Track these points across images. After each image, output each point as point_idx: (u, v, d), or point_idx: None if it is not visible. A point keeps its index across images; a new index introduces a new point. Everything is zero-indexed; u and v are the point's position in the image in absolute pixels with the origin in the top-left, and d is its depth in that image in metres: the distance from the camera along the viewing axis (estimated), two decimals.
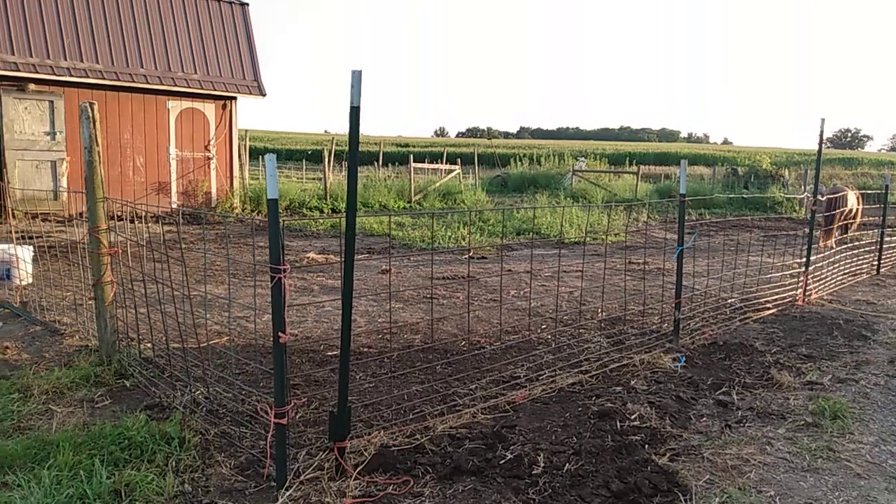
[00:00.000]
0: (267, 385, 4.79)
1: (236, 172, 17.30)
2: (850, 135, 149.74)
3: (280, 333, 3.21)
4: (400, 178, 24.03)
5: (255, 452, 3.72)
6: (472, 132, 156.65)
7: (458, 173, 25.09)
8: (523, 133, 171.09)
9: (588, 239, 14.27)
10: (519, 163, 32.15)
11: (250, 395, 4.49)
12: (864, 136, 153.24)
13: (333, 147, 25.76)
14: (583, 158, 39.39)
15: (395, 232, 13.94)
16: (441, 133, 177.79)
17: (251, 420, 4.10)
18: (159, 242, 10.85)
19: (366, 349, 5.77)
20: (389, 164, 33.98)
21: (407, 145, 78.32)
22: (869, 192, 14.59)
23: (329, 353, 5.61)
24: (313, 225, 14.86)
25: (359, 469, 3.48)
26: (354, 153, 3.22)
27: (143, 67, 15.01)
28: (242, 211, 16.94)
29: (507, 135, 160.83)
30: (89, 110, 4.53)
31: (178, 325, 4.77)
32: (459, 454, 3.59)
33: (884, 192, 11.22)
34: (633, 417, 4.13)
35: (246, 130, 21.82)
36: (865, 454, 3.80)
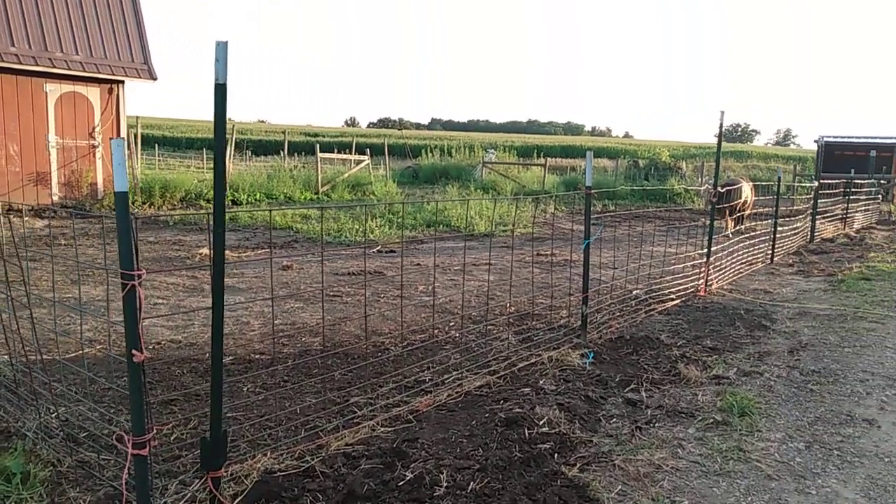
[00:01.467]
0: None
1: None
2: (740, 129, 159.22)
3: (135, 351, 2.73)
4: (307, 169, 23.21)
5: (118, 485, 3.21)
6: (384, 122, 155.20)
7: (368, 164, 24.54)
8: (435, 124, 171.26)
9: (497, 231, 14.17)
10: (430, 154, 31.92)
11: (117, 415, 3.94)
12: (753, 130, 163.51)
13: (234, 135, 24.58)
14: (492, 150, 39.66)
15: (300, 225, 13.32)
16: (352, 123, 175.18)
17: (115, 446, 3.57)
18: (21, 239, 9.84)
19: (258, 356, 5.28)
20: (298, 154, 32.90)
21: (316, 135, 76.39)
22: (759, 183, 15.26)
23: None
24: (210, 218, 13.97)
25: (238, 500, 3.05)
26: (221, 138, 2.77)
27: (14, 46, 13.59)
28: (133, 203, 15.77)
29: (418, 126, 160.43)
30: None
31: (28, 336, 4.14)
32: (354, 476, 3.22)
33: (776, 184, 11.69)
34: (541, 423, 3.89)
35: (137, 117, 20.38)
36: (774, 453, 3.72)
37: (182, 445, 3.68)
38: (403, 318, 6.71)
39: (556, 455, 3.56)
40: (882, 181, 21.55)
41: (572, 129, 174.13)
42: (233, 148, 24.37)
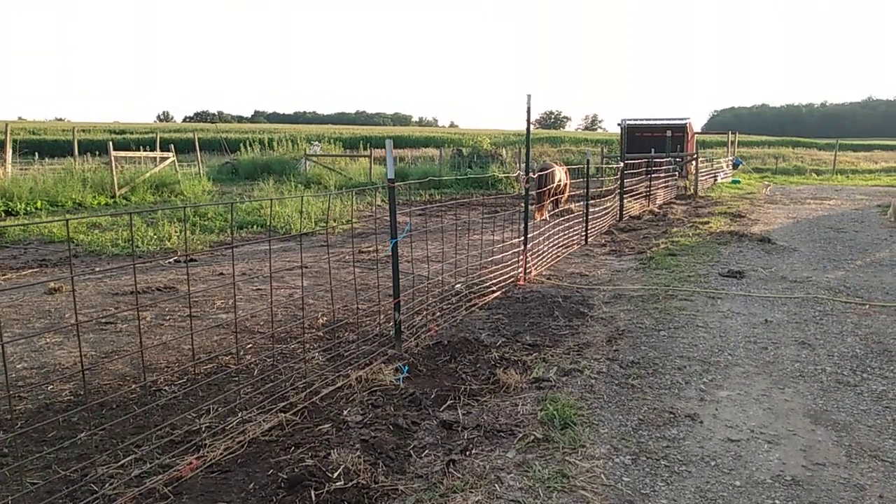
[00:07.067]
0: None
1: None
2: (553, 116, 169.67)
3: None
4: (103, 170, 20.62)
5: None
6: (202, 116, 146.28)
7: (174, 161, 22.37)
8: (258, 117, 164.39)
9: (318, 228, 13.28)
10: (250, 148, 30.02)
11: None
12: (565, 117, 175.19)
13: (10, 135, 21.17)
14: (317, 143, 38.30)
15: (83, 237, 11.50)
16: (165, 118, 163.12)
17: None
18: None
19: None
20: (98, 154, 29.40)
21: (123, 132, 69.74)
22: (572, 166, 15.72)
23: None
24: None
25: None
26: None
27: None
28: None
29: (240, 119, 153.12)
30: None
31: None
32: None
33: (585, 166, 11.93)
34: (336, 475, 3.20)
35: None
36: (600, 474, 3.33)
37: None
38: (191, 345, 5.70)
39: None
40: (677, 159, 23.39)
41: (400, 119, 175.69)
42: (9, 149, 21.00)
